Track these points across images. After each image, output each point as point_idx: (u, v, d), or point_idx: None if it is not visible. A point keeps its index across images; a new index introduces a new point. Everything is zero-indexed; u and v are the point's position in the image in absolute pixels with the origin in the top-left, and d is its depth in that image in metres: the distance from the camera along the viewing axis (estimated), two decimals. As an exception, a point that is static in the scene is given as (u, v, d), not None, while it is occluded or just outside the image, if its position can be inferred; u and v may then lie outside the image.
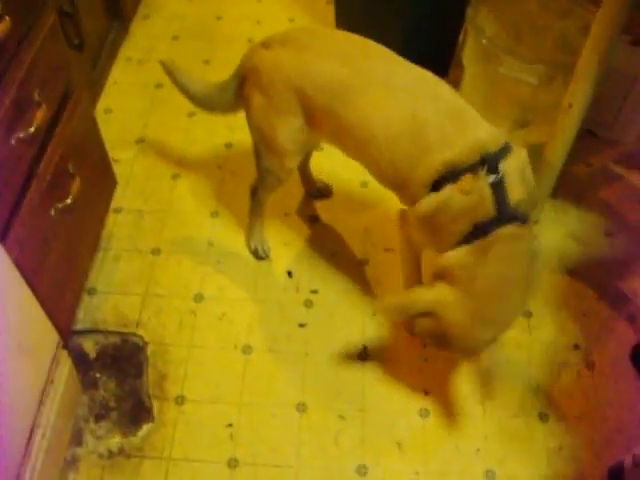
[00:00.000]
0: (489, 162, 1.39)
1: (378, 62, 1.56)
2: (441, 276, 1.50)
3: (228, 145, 2.36)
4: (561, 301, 1.98)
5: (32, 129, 1.39)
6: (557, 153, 1.93)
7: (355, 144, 1.58)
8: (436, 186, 1.45)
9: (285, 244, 2.09)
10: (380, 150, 1.51)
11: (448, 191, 1.42)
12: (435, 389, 1.79)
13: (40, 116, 1.43)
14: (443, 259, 1.48)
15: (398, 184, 1.55)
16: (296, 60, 1.58)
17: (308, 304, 1.95)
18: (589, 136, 2.38)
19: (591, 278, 2.04)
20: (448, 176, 1.42)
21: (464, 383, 1.81)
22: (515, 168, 1.41)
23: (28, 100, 1.41)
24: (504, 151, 1.42)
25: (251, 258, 2.05)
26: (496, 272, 1.44)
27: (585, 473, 1.66)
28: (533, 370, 1.84)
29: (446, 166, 1.42)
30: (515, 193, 1.41)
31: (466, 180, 1.40)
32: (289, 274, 2.02)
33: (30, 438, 1.42)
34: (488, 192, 1.39)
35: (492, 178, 1.39)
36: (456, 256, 1.46)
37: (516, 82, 1.93)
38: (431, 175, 1.44)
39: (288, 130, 1.66)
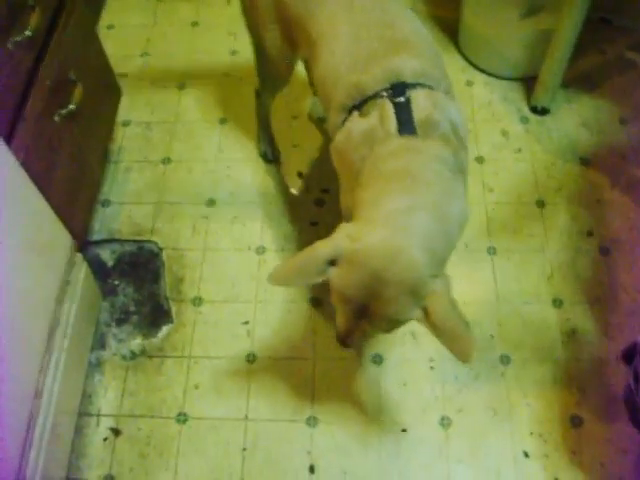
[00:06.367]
0: (396, 88, 1.22)
1: None
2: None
3: (233, 52, 2.33)
4: (574, 189, 1.96)
5: (28, 32, 1.40)
6: (566, 35, 1.88)
7: (312, 64, 1.43)
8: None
9: (294, 146, 2.08)
10: (322, 67, 1.36)
11: (352, 118, 1.27)
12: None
13: (35, 20, 1.43)
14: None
15: (325, 105, 1.39)
16: None
17: (319, 203, 1.95)
18: (602, 24, 2.31)
19: (605, 166, 2.01)
20: (357, 104, 1.27)
21: (477, 272, 1.82)
22: (427, 98, 1.22)
23: (22, 3, 1.42)
24: (419, 86, 1.24)
25: (261, 162, 2.05)
26: (394, 170, 1.19)
27: (599, 356, 1.68)
28: (546, 257, 1.83)
29: (357, 89, 1.26)
30: (423, 112, 1.21)
31: (369, 105, 1.24)
32: (299, 175, 2.02)
33: (51, 334, 1.47)
34: (390, 111, 1.21)
35: (397, 99, 1.21)
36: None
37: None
38: (346, 98, 1.28)
39: (271, 38, 1.57)
